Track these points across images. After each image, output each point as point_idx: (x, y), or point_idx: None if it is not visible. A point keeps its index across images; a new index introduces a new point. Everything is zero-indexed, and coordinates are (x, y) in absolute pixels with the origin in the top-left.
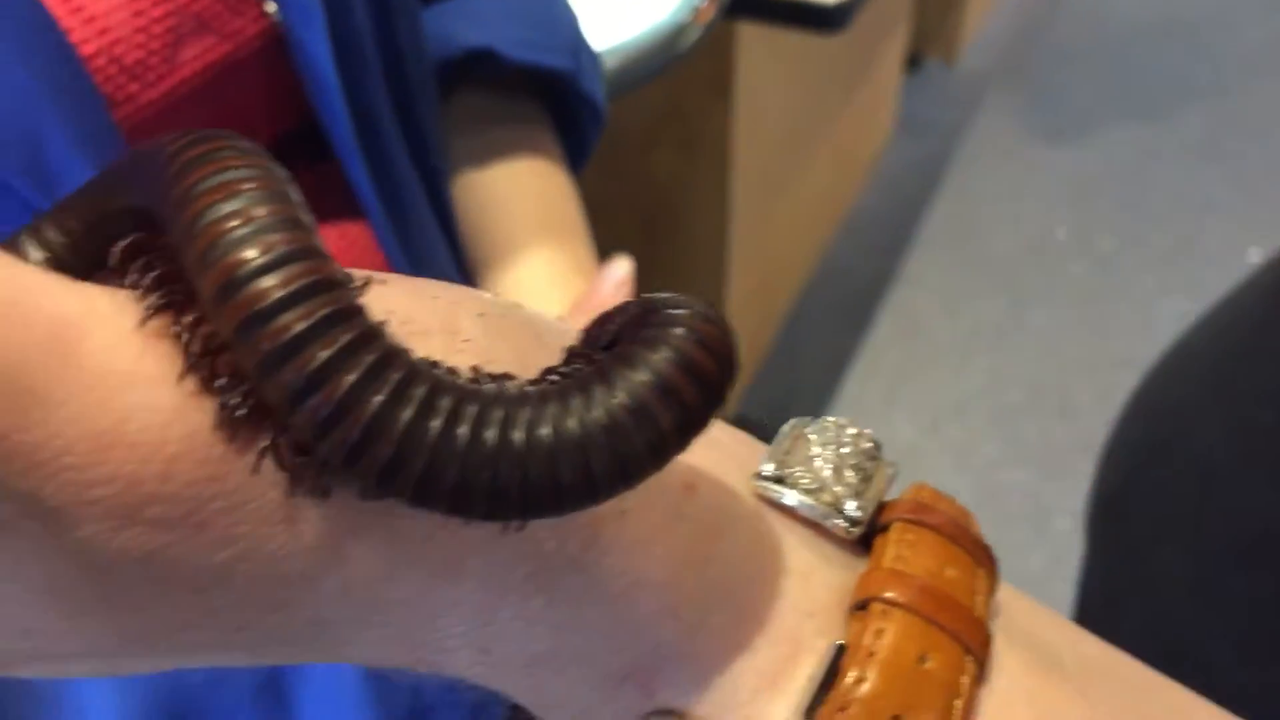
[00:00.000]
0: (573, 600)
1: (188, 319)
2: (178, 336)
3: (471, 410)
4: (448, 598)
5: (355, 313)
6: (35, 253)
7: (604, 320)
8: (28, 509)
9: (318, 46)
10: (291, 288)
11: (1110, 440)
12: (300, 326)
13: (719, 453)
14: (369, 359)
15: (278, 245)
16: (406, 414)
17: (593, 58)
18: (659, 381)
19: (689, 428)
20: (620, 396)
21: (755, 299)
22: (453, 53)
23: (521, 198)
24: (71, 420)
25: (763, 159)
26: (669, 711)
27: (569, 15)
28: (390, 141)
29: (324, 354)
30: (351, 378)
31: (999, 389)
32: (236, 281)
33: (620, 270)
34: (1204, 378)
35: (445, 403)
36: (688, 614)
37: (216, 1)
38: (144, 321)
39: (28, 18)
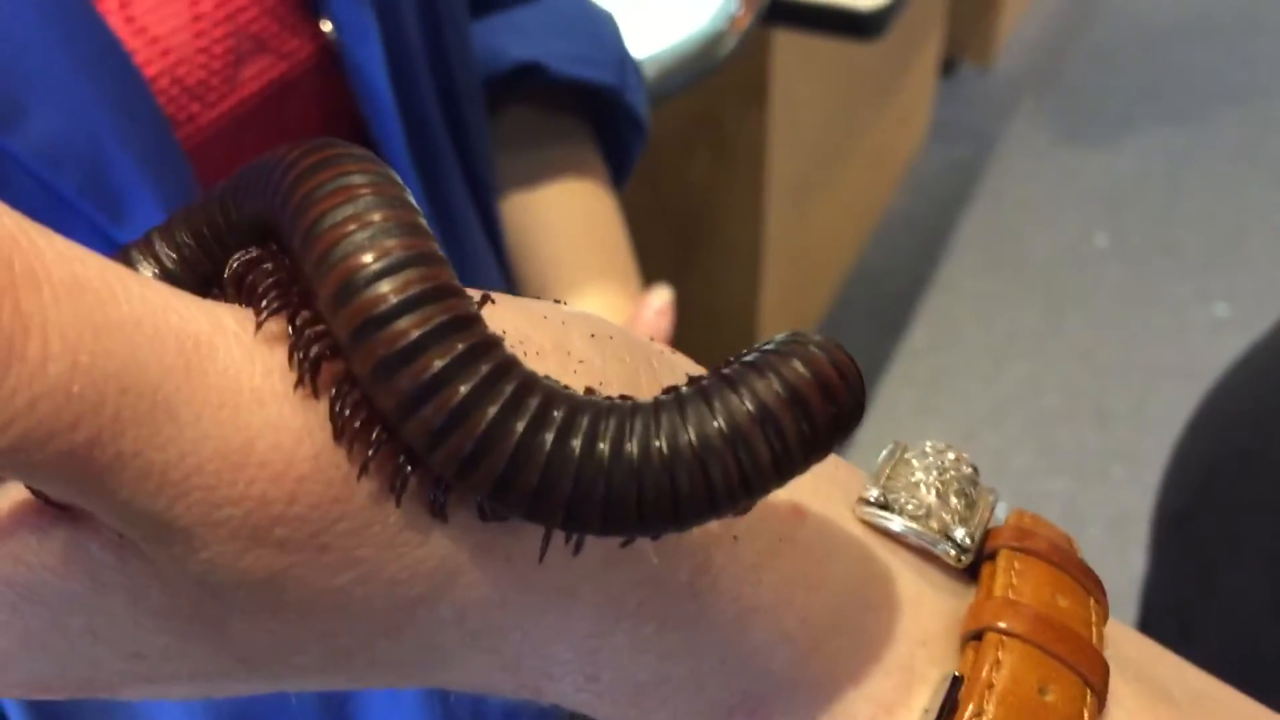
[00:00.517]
0: (684, 627)
1: (301, 322)
2: (291, 341)
3: (584, 421)
4: (560, 624)
5: (472, 321)
6: (146, 268)
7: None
8: (158, 532)
9: (373, 64)
10: (408, 293)
11: (1177, 453)
12: (416, 333)
13: (822, 479)
14: (485, 368)
15: (395, 250)
16: (520, 424)
17: (637, 73)
18: (790, 391)
19: (816, 444)
20: (747, 404)
21: (789, 304)
22: (502, 66)
23: (570, 220)
24: (203, 438)
25: (797, 165)
26: None
27: (614, 30)
28: (442, 155)
29: (439, 362)
30: (466, 387)
31: (1034, 396)
32: (354, 285)
33: (661, 298)
34: (1277, 390)
35: (560, 414)
36: (799, 640)
37: (273, 21)
38: (259, 324)
39: (93, 40)
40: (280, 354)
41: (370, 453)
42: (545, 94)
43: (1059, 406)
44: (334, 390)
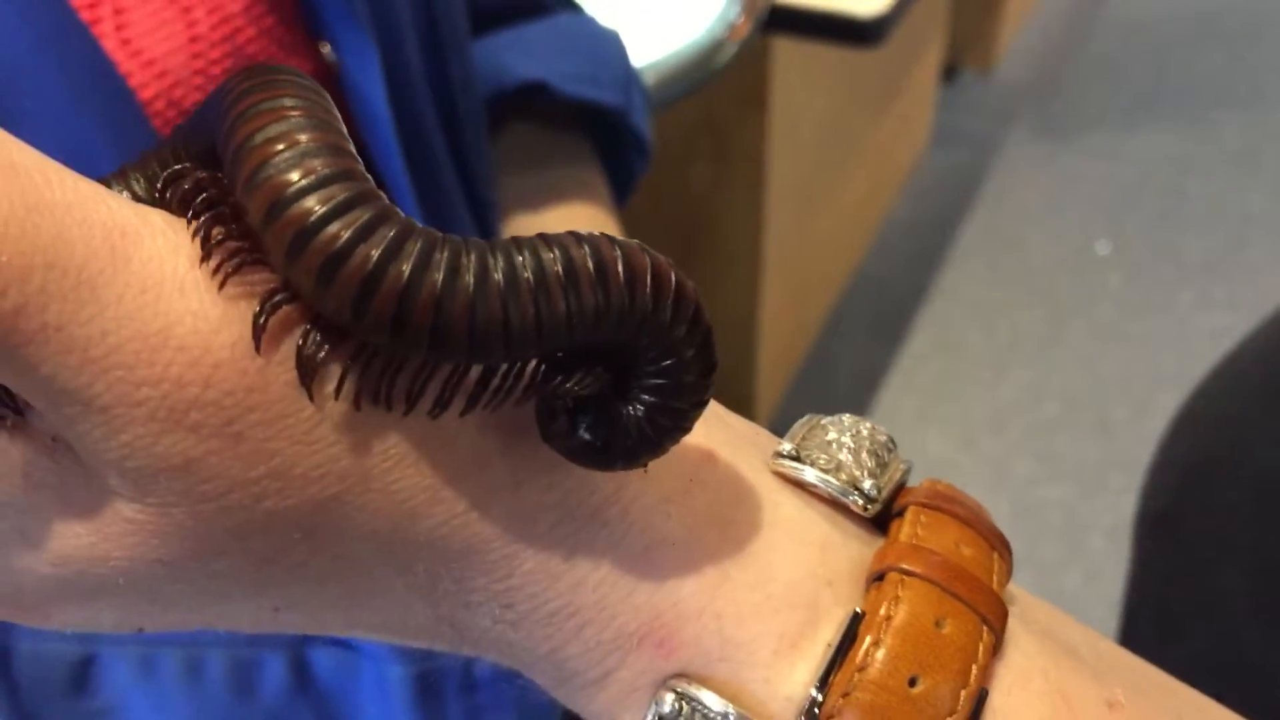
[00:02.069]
0: (594, 555)
1: (223, 225)
2: (217, 242)
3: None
4: (470, 543)
5: (373, 198)
6: (136, 186)
7: None
8: (80, 412)
9: (372, 86)
10: (332, 202)
11: (1158, 456)
12: (321, 209)
13: (735, 434)
14: (389, 232)
15: (320, 169)
16: (406, 265)
17: (642, 92)
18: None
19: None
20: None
21: (790, 311)
22: (506, 85)
23: None
24: (124, 318)
25: (798, 171)
26: (688, 675)
27: (620, 50)
28: (442, 175)
29: (346, 232)
30: (377, 250)
31: (1035, 403)
32: (282, 203)
33: None
34: (1258, 392)
35: (443, 254)
36: (708, 574)
37: (272, 43)
38: (193, 232)
39: (87, 63)
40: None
41: (263, 315)
42: (549, 112)
43: (1060, 414)
44: (257, 276)
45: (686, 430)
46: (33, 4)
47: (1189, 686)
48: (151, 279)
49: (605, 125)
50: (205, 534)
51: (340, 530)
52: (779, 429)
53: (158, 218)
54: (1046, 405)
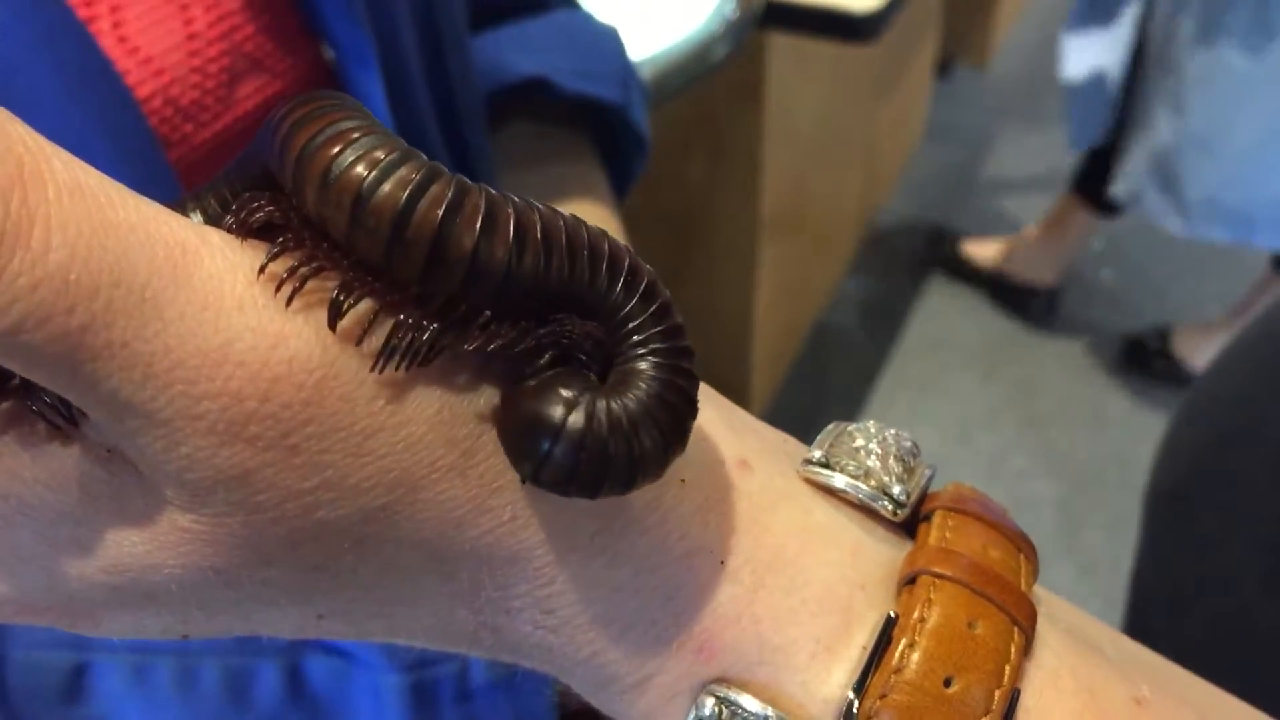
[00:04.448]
0: (634, 561)
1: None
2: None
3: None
4: (514, 550)
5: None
6: (196, 216)
7: None
8: (142, 425)
9: (370, 84)
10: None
11: (1169, 435)
12: (386, 160)
13: (768, 443)
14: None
15: (390, 151)
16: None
17: (640, 88)
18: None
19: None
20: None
21: (784, 305)
22: (506, 80)
23: None
24: (186, 335)
25: (792, 166)
26: (727, 679)
27: (619, 45)
28: None
29: (416, 175)
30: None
31: (1029, 399)
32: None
33: None
34: (1272, 370)
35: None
36: (745, 580)
37: (269, 40)
38: (244, 237)
39: (84, 61)
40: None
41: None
42: (548, 108)
43: (1054, 409)
44: (335, 290)
45: (691, 393)
46: (28, 1)
47: (1211, 684)
48: (212, 296)
49: (604, 121)
50: (258, 542)
51: (389, 539)
52: (774, 423)
53: (216, 237)
54: (1040, 400)
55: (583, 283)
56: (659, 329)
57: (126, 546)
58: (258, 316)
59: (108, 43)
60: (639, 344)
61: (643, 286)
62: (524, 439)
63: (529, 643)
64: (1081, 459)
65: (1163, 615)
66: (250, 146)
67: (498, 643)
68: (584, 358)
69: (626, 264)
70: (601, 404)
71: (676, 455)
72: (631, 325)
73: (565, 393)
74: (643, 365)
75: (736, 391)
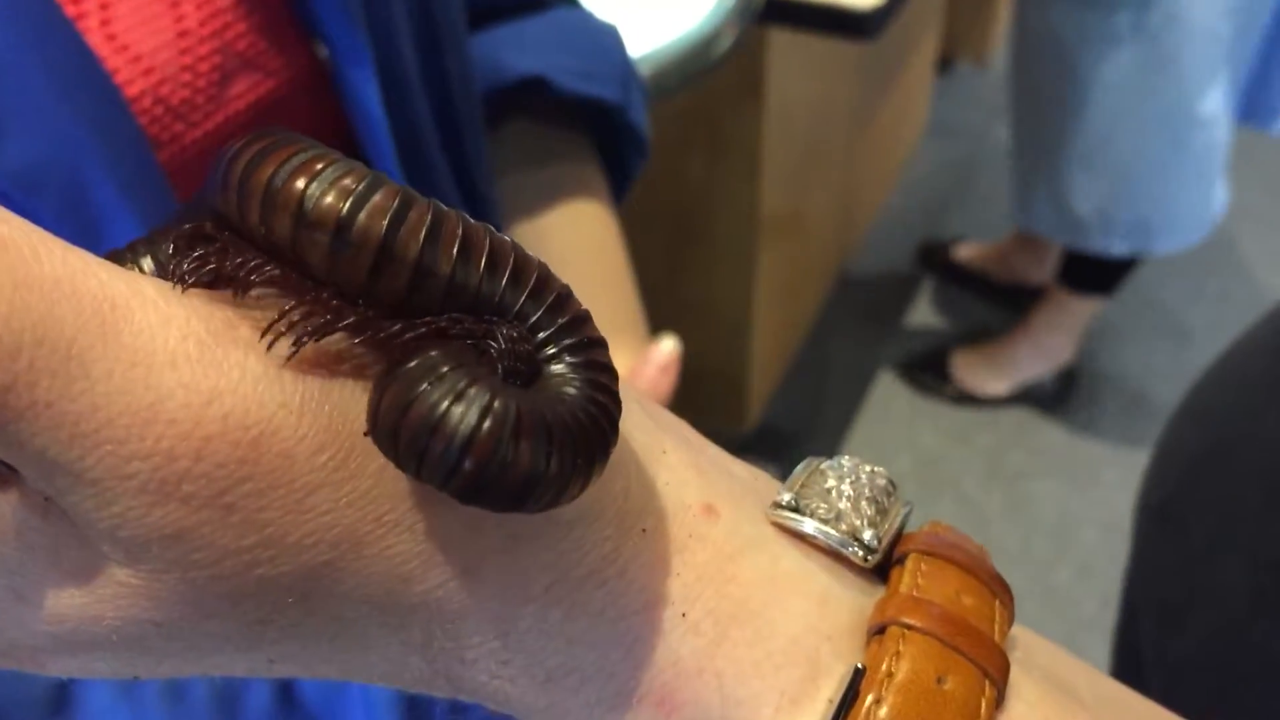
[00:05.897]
0: (592, 614)
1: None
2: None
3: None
4: (466, 603)
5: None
6: (147, 261)
7: None
8: (71, 483)
9: (366, 85)
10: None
11: (1160, 448)
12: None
13: (737, 485)
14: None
15: (356, 186)
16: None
17: (640, 88)
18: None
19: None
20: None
21: (783, 302)
22: (504, 79)
23: (577, 255)
24: (115, 393)
25: (792, 162)
26: None
27: (619, 45)
28: (437, 175)
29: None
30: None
31: (1027, 397)
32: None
33: (664, 353)
34: (1263, 384)
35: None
36: (707, 632)
37: (262, 39)
38: (184, 287)
39: (73, 61)
40: (196, 321)
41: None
42: (547, 107)
43: (1052, 407)
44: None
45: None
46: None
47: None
48: (142, 352)
49: (604, 121)
50: (198, 598)
51: (334, 594)
52: (772, 421)
53: (151, 288)
54: (1039, 398)
55: (487, 291)
56: (571, 340)
57: (65, 598)
58: (191, 372)
59: (96, 40)
60: (553, 355)
61: (550, 299)
62: (401, 422)
63: (486, 690)
64: (1081, 458)
65: (1152, 630)
66: (204, 187)
67: (455, 689)
68: (493, 349)
69: (535, 275)
70: (500, 399)
71: (582, 482)
72: (542, 335)
73: (452, 375)
74: (557, 367)
75: (736, 389)
